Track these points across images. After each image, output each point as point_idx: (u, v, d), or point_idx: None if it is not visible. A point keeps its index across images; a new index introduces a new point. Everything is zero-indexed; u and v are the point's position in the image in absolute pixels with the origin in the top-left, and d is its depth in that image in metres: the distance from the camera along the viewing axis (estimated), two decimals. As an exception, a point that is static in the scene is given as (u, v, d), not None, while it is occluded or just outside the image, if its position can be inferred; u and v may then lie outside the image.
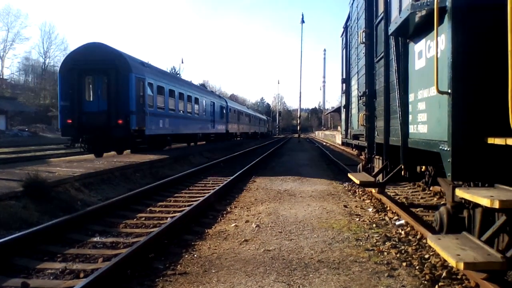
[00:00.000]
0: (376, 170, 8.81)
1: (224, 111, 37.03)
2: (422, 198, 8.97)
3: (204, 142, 31.64)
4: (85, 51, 17.48)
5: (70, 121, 17.00)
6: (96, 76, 17.35)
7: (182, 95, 24.37)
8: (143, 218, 7.19)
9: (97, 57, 17.14)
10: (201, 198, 8.20)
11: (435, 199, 8.70)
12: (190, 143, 27.53)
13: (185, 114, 24.98)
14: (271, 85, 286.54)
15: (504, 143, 3.36)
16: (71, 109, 17.02)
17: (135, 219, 7.11)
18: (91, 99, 17.51)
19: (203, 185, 11.38)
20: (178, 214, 6.78)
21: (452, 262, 3.25)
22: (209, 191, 9.60)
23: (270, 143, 40.30)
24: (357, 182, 8.18)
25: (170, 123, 21.96)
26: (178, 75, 62.18)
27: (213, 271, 4.48)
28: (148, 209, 7.94)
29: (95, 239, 5.85)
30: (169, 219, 6.83)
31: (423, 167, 6.41)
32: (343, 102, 12.67)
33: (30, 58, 76.90)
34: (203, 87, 43.63)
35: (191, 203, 8.15)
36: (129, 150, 18.10)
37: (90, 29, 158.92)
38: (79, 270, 4.57)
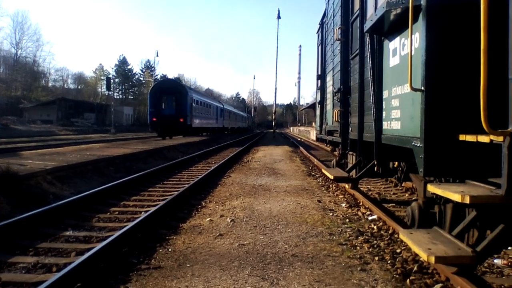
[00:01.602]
0: (349, 165, 8.91)
1: (222, 112, 50.80)
2: (394, 193, 9.12)
3: (209, 134, 44.39)
4: (163, 82, 38.62)
5: (155, 119, 31.05)
6: (169, 95, 31.70)
7: (204, 103, 39.62)
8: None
9: (169, 85, 33.77)
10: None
11: (406, 194, 8.86)
12: (203, 133, 40.77)
13: (205, 115, 40.02)
14: (247, 79, 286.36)
15: (475, 140, 3.44)
16: (155, 113, 31.22)
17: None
18: (165, 107, 31.63)
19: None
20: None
21: (423, 256, 3.31)
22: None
23: (249, 136, 47.51)
24: (331, 177, 8.25)
25: (200, 120, 36.93)
26: (153, 68, 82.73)
27: (188, 265, 4.46)
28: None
29: (67, 233, 5.75)
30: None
31: (396, 163, 6.52)
32: (318, 98, 12.76)
33: (2, 48, 74.72)
34: (213, 97, 65.43)
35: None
36: (181, 136, 32.04)
37: (65, 19, 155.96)
38: (52, 264, 4.50)
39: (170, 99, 31.50)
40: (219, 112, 48.31)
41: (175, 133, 31.26)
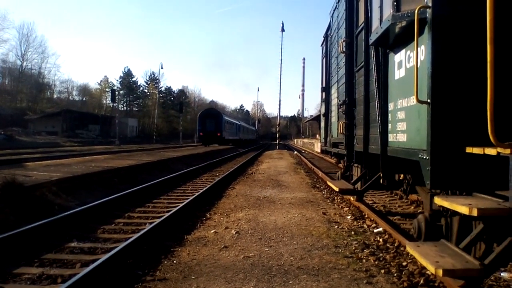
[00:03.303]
0: (354, 178, 8.89)
1: (239, 127, 65.08)
2: (399, 206, 9.07)
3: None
4: (207, 110, 56.28)
5: (201, 134, 48.47)
6: (210, 118, 48.83)
7: (230, 122, 56.72)
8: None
9: (210, 112, 52.99)
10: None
11: (412, 207, 8.81)
12: (227, 143, 52.10)
13: (231, 131, 55.44)
14: (251, 91, 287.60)
15: (482, 153, 3.43)
16: (202, 129, 48.52)
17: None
18: (207, 126, 47.96)
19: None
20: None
21: (431, 269, 3.29)
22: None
23: (254, 148, 51.75)
24: (336, 189, 8.23)
25: (229, 134, 52.61)
26: (157, 81, 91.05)
27: (193, 277, 4.45)
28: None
29: (72, 244, 5.74)
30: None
31: (401, 175, 6.50)
32: (323, 111, 12.77)
33: (7, 60, 75.16)
34: (232, 116, 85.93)
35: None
36: (217, 144, 45.75)
37: (71, 31, 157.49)
38: (57, 275, 4.48)
39: (211, 120, 48.54)
40: (237, 127, 63.82)
41: (214, 142, 46.55)
